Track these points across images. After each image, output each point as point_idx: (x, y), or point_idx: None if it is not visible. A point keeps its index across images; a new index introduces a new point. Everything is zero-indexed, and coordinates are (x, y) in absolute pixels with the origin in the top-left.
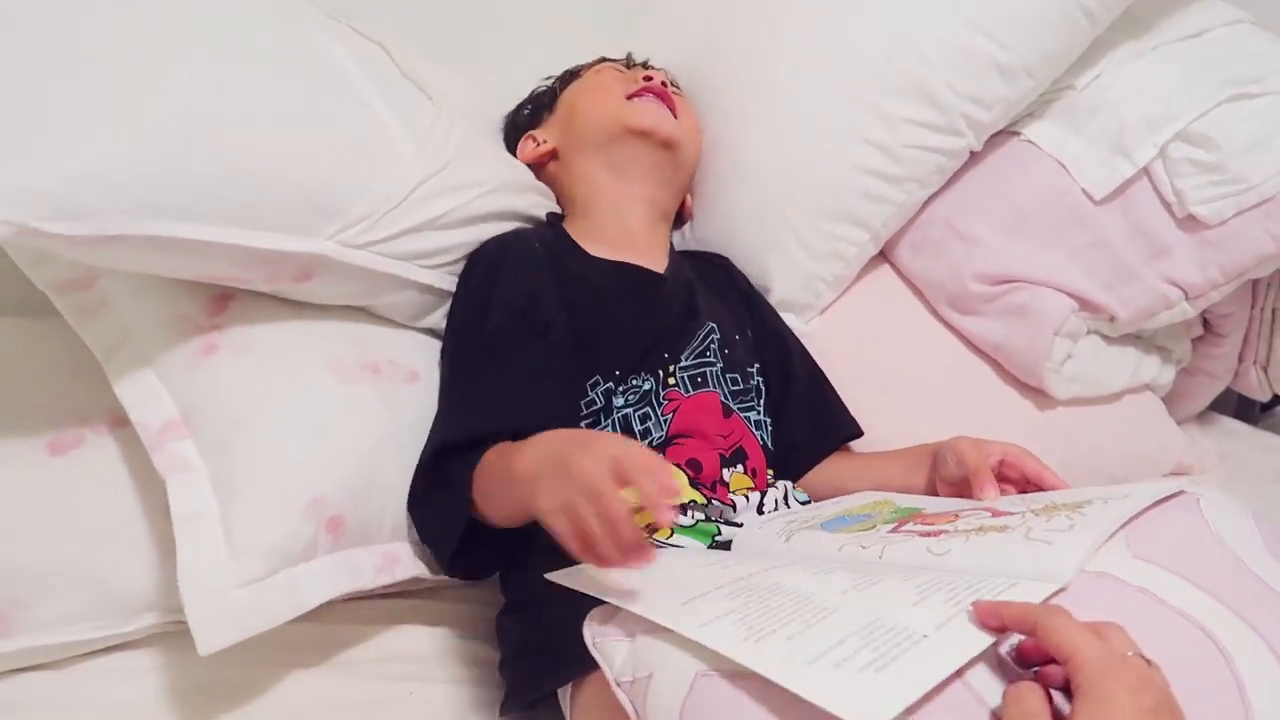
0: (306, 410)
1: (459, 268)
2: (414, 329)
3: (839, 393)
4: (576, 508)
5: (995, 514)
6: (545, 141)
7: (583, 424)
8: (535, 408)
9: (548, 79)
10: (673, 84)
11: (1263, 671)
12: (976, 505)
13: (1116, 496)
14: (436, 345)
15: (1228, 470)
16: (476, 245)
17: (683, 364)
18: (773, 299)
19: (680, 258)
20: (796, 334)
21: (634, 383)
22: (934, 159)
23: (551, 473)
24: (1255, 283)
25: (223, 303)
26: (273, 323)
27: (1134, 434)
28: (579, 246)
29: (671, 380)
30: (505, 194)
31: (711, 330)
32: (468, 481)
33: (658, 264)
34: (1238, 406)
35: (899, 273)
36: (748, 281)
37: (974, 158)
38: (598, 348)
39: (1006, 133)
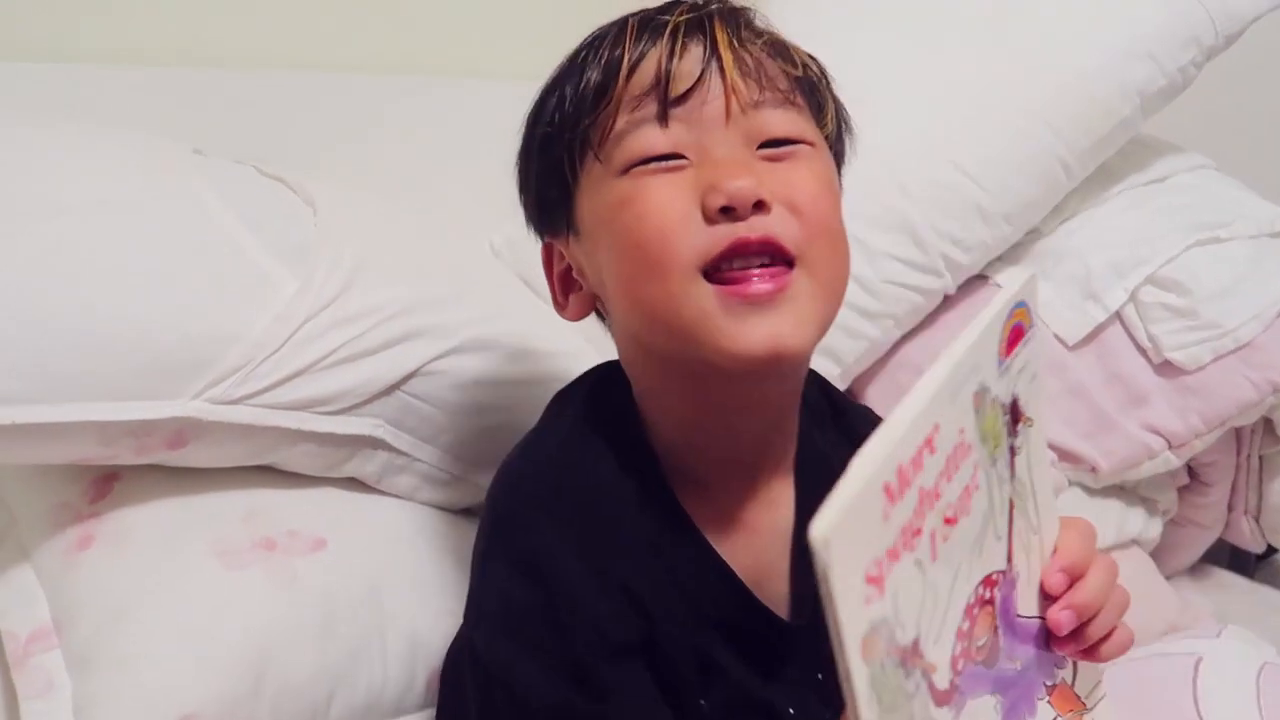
0: (181, 609)
1: (364, 411)
2: (327, 482)
3: None
4: None
5: None
6: (575, 275)
7: None
8: None
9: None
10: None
11: None
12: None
13: None
14: (351, 500)
15: None
16: (384, 385)
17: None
18: None
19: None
20: None
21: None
22: (912, 298)
23: None
24: (1239, 430)
25: (107, 484)
26: (157, 504)
27: None
28: (686, 520)
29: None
30: (424, 313)
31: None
32: None
33: (780, 555)
34: (1232, 557)
35: None
36: None
37: (946, 302)
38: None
39: (976, 278)
